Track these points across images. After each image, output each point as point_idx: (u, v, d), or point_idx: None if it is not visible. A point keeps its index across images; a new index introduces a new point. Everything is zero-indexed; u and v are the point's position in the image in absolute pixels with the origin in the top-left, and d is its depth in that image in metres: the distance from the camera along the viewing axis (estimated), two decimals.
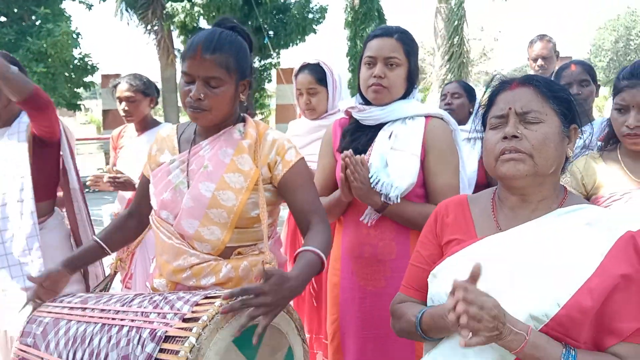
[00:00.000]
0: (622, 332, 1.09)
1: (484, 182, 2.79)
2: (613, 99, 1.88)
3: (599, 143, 2.36)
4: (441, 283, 1.23)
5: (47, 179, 2.32)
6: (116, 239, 1.82)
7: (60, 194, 2.46)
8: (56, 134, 2.28)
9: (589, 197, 1.92)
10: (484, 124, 1.29)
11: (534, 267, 1.13)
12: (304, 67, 2.65)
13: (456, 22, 12.05)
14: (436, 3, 12.05)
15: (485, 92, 1.31)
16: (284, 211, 1.95)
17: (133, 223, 1.83)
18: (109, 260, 1.94)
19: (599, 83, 2.76)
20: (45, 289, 1.65)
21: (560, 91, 1.22)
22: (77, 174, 2.41)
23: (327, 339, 2.15)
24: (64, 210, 2.44)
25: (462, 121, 2.89)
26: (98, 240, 1.78)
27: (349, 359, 1.96)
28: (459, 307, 1.04)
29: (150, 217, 1.72)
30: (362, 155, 1.82)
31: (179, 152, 1.66)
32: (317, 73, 2.61)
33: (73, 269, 1.76)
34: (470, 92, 3.08)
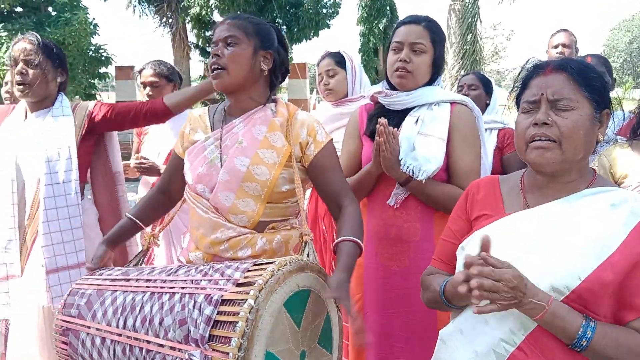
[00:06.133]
0: None
1: (499, 171, 2.80)
2: None
3: (617, 137, 2.39)
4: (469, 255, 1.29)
5: (84, 162, 2.41)
6: (148, 215, 1.91)
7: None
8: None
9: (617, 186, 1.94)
10: (517, 105, 1.32)
11: (558, 242, 1.18)
12: (325, 55, 2.84)
13: (470, 20, 12.00)
14: (450, 0, 11.99)
15: (519, 74, 1.33)
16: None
17: (163, 199, 1.91)
18: None
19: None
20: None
21: (593, 78, 1.21)
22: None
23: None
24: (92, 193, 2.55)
25: None
26: (131, 217, 1.86)
27: (373, 336, 2.01)
28: (472, 282, 1.09)
29: (185, 193, 1.79)
30: (395, 129, 1.86)
31: (212, 131, 1.74)
32: (336, 57, 2.81)
33: (114, 246, 1.86)
34: (486, 84, 3.07)
